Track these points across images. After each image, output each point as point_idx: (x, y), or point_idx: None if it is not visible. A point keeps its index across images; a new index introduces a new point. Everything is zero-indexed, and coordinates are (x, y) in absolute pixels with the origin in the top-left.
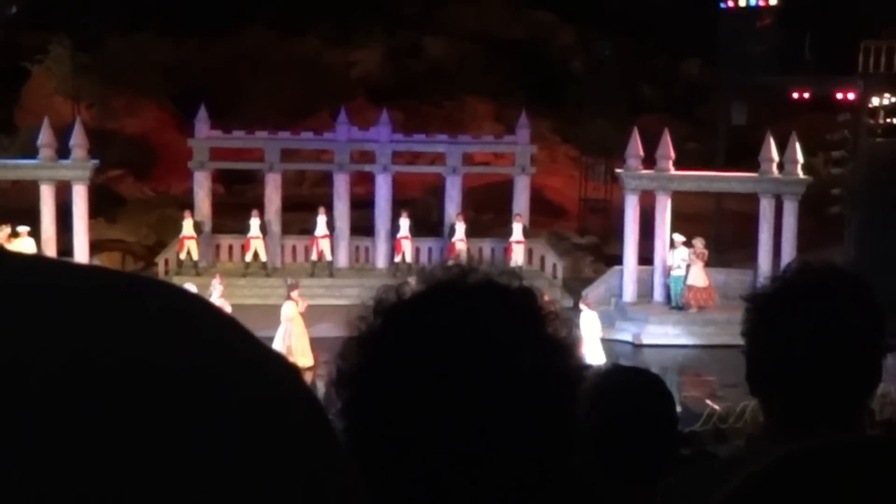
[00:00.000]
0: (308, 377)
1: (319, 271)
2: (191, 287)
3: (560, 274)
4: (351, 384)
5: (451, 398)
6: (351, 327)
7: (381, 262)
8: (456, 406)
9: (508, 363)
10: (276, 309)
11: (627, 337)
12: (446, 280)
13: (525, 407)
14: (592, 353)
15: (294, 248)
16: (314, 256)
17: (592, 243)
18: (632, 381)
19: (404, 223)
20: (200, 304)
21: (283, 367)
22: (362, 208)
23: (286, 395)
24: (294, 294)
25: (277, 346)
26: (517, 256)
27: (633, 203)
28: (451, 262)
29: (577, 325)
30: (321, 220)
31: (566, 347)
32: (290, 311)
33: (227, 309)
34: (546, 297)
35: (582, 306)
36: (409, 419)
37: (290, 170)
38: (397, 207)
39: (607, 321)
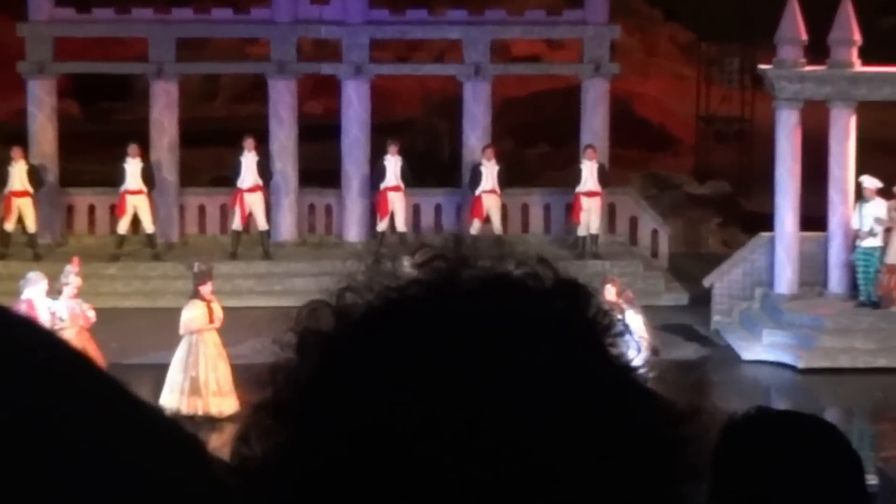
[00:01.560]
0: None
1: (247, 249)
2: (33, 286)
3: (664, 248)
4: (260, 478)
5: None
6: (257, 387)
7: (353, 231)
8: None
9: (551, 435)
10: (171, 315)
11: (785, 356)
12: (422, 284)
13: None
14: None
15: (202, 210)
16: (237, 224)
17: (720, 194)
18: (792, 436)
19: (393, 164)
20: (20, 335)
21: (166, 443)
22: (320, 139)
23: (169, 489)
24: (204, 290)
25: (175, 377)
26: (589, 218)
27: (791, 123)
28: (424, 250)
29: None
30: (248, 160)
31: (644, 386)
32: (198, 319)
33: (90, 315)
34: (613, 290)
35: (622, 304)
36: None
37: (195, 73)
38: (381, 137)
39: (749, 328)
